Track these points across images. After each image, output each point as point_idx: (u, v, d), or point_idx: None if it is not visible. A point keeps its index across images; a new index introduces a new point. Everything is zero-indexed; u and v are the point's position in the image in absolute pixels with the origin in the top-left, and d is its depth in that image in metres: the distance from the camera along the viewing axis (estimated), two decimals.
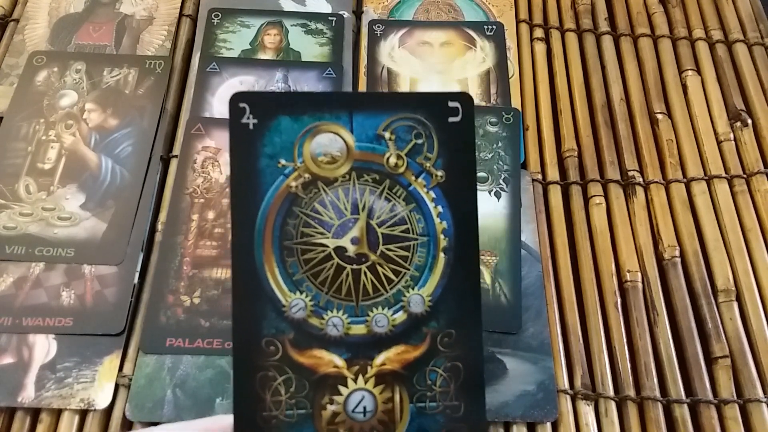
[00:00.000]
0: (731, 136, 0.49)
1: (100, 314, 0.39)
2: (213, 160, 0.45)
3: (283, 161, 0.26)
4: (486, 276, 0.40)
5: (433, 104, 0.26)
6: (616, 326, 0.41)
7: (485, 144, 0.45)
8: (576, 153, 0.48)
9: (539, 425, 0.37)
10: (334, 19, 0.52)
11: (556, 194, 0.46)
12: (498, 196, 0.43)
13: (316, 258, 0.26)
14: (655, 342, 0.40)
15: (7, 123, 0.46)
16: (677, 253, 0.44)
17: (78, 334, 0.39)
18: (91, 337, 0.39)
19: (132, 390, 0.37)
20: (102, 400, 0.37)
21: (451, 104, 0.26)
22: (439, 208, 0.26)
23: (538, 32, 0.54)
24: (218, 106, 0.47)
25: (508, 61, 0.51)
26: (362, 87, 0.49)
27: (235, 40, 0.51)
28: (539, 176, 0.46)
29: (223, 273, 0.41)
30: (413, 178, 0.26)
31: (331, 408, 0.25)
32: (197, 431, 0.26)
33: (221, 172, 0.44)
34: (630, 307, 0.42)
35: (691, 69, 0.52)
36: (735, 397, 0.39)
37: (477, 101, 0.48)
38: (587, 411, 0.38)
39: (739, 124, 0.50)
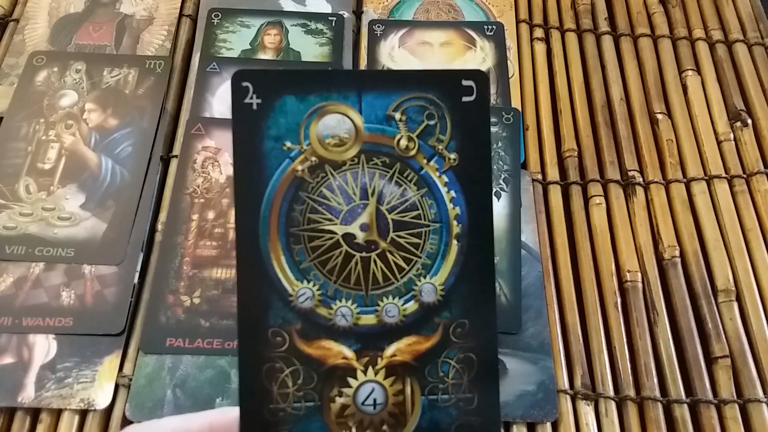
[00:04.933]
0: (731, 136, 0.49)
1: (100, 314, 0.39)
2: (213, 160, 0.45)
3: (288, 143, 0.24)
4: None
5: (446, 83, 0.25)
6: (616, 326, 0.41)
7: None
8: (576, 153, 0.48)
9: (539, 425, 0.37)
10: (334, 19, 0.52)
11: (556, 194, 0.46)
12: (498, 196, 0.43)
13: (323, 245, 0.25)
14: (655, 342, 0.40)
15: (7, 123, 0.46)
16: (677, 253, 0.44)
17: (78, 334, 0.39)
18: (91, 337, 0.39)
19: (132, 390, 0.37)
20: (102, 400, 0.37)
21: (465, 83, 0.25)
22: (452, 193, 0.25)
23: (538, 32, 0.54)
24: (218, 106, 0.47)
25: (508, 61, 0.51)
26: None
27: (235, 40, 0.51)
28: (539, 176, 0.46)
29: (223, 273, 0.41)
30: (425, 161, 0.25)
31: (340, 400, 0.24)
32: (202, 424, 0.25)
33: (221, 172, 0.44)
34: (630, 307, 0.42)
35: (691, 69, 0.52)
36: (735, 397, 0.39)
37: None
38: (587, 411, 0.38)
39: (739, 124, 0.50)
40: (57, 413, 0.37)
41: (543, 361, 0.39)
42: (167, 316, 0.39)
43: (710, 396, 0.39)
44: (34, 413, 0.37)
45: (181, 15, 0.53)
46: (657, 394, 0.39)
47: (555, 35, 0.54)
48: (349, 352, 0.25)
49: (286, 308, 0.24)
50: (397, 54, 0.50)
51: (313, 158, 0.25)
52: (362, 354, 0.25)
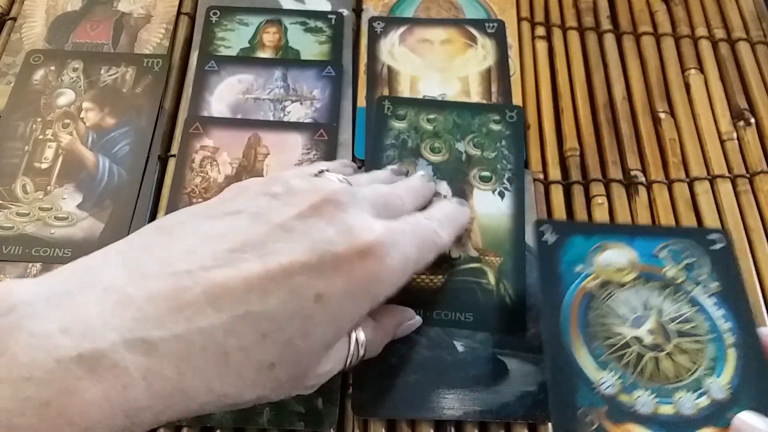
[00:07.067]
0: (734, 135, 0.49)
1: None
2: (211, 159, 0.44)
3: (579, 267, 0.32)
4: (490, 277, 0.40)
5: (697, 236, 0.33)
6: None
7: (488, 143, 0.45)
8: (578, 152, 0.48)
9: (541, 425, 0.37)
10: (334, 17, 0.51)
11: (557, 194, 0.46)
12: (502, 195, 0.43)
13: (617, 344, 0.30)
14: None
15: (3, 122, 0.45)
16: None
17: None
18: None
19: None
20: None
21: (711, 236, 0.33)
22: (720, 312, 0.31)
23: (540, 30, 0.53)
24: (216, 105, 0.47)
25: (510, 60, 0.50)
26: (362, 85, 0.49)
27: (234, 38, 0.50)
28: (541, 176, 0.46)
29: None
30: (691, 287, 0.32)
31: None
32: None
33: (219, 171, 0.44)
34: None
35: (693, 68, 0.52)
36: None
37: (477, 99, 0.48)
38: None
39: (742, 123, 0.49)
40: None
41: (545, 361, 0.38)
42: None
43: None
44: None
45: (179, 13, 0.52)
46: None
47: (557, 33, 0.54)
48: None
49: (592, 393, 0.29)
50: (398, 52, 0.50)
51: (599, 280, 0.32)
52: None
